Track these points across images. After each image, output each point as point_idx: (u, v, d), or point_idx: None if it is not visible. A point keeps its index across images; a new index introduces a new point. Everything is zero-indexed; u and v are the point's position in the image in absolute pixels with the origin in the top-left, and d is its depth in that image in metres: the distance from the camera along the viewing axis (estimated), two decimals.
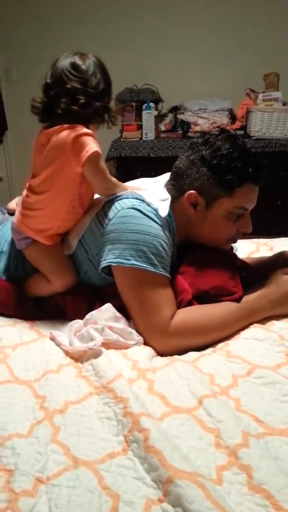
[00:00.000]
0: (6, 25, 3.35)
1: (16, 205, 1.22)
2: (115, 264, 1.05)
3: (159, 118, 3.04)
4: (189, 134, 2.90)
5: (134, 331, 1.05)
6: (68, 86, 1.05)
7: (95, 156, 1.04)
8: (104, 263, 1.07)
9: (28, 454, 0.71)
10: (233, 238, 1.18)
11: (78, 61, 1.07)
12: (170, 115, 3.04)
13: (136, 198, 1.10)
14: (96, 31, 3.23)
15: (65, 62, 1.07)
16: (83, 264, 1.16)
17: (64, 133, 1.04)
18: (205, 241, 1.17)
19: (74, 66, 1.07)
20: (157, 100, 3.08)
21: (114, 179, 1.15)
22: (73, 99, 1.04)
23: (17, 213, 1.18)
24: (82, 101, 1.04)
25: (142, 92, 3.05)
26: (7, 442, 0.74)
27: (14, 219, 1.18)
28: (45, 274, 1.17)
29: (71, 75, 1.05)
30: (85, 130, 1.05)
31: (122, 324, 1.06)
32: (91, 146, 1.04)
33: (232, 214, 1.11)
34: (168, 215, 1.10)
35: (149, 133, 2.95)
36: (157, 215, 1.07)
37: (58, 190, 1.10)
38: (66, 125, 1.05)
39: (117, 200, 1.11)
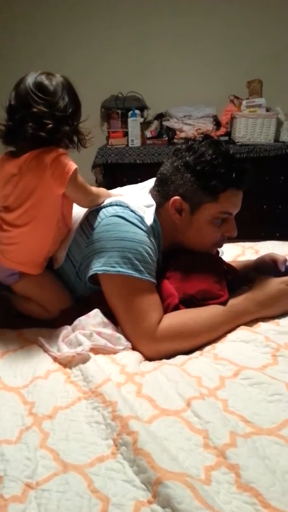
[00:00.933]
0: None
1: None
2: (101, 272, 1.06)
3: (145, 125, 3.06)
4: (175, 140, 2.92)
5: (122, 336, 1.06)
6: (35, 109, 0.98)
7: (75, 173, 1.02)
8: (90, 272, 1.08)
9: (17, 460, 0.71)
10: (218, 243, 1.20)
11: (45, 82, 1.01)
12: (156, 122, 3.06)
13: (120, 205, 1.10)
14: (81, 39, 3.25)
15: (30, 83, 1.00)
16: (70, 277, 1.16)
17: (38, 160, 1.00)
18: (191, 246, 1.18)
19: (40, 87, 1.00)
20: (143, 107, 3.11)
21: (95, 189, 1.13)
22: (40, 123, 0.98)
23: None
24: (50, 126, 0.98)
25: (128, 100, 3.08)
26: None
27: None
28: (41, 304, 1.15)
29: (37, 98, 0.99)
30: (58, 150, 1.01)
31: (110, 329, 1.06)
32: (69, 164, 1.01)
33: (217, 219, 1.13)
34: (154, 221, 1.11)
35: (135, 140, 2.97)
36: (142, 221, 1.08)
37: (43, 218, 1.07)
38: (36, 151, 1.01)
39: (101, 209, 1.12)
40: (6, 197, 1.07)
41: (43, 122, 0.98)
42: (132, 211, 1.09)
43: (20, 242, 1.09)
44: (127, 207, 1.10)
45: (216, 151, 1.09)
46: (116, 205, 1.11)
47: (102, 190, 1.17)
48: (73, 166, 1.02)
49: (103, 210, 1.11)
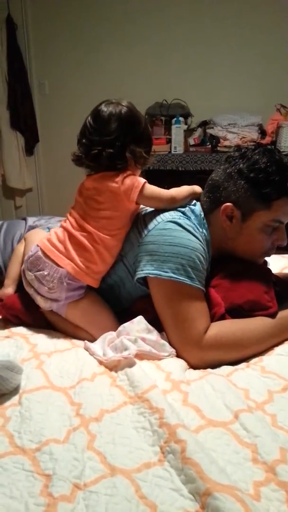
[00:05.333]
0: (40, 39, 3.46)
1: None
2: (152, 276, 1.06)
3: (188, 132, 3.07)
4: (218, 148, 2.91)
5: (166, 343, 1.06)
6: (84, 140, 1.10)
7: (142, 188, 1.10)
8: (141, 274, 1.08)
9: (65, 460, 0.72)
10: (267, 251, 1.17)
11: (100, 110, 1.10)
12: (199, 130, 3.06)
13: (177, 211, 1.11)
14: (128, 47, 3.30)
15: (90, 115, 1.11)
16: (115, 265, 1.16)
17: (110, 178, 1.10)
18: (240, 254, 1.17)
19: (95, 117, 1.10)
20: (187, 115, 3.12)
21: (172, 193, 1.15)
22: (89, 150, 1.09)
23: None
24: (94, 152, 1.08)
25: (172, 107, 3.10)
26: (45, 447, 0.75)
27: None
28: (88, 329, 1.15)
29: (90, 128, 1.10)
30: (126, 172, 1.10)
31: (154, 335, 1.06)
32: (136, 181, 1.10)
33: (268, 227, 1.11)
34: (204, 228, 1.11)
35: (178, 147, 2.98)
36: (196, 228, 1.08)
37: (118, 229, 1.13)
38: (108, 172, 1.10)
39: (158, 213, 1.13)
40: (83, 207, 1.14)
41: (90, 149, 1.09)
42: (188, 218, 1.09)
43: (98, 250, 1.12)
44: (184, 213, 1.10)
45: (270, 159, 1.08)
46: (173, 210, 1.11)
47: (179, 192, 1.16)
48: (140, 182, 1.10)
49: (160, 214, 1.12)
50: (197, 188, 1.20)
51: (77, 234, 1.13)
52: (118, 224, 1.13)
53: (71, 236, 1.13)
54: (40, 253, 1.14)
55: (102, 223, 1.11)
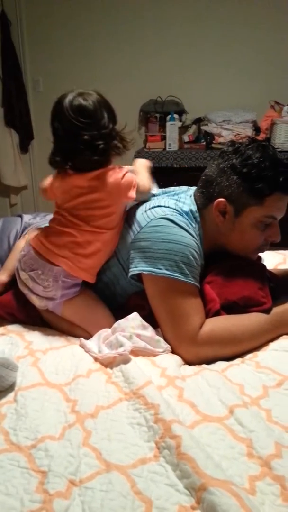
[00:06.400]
0: (35, 36, 3.44)
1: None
2: (146, 273, 1.06)
3: (183, 129, 3.07)
4: (213, 145, 2.91)
5: (161, 339, 1.06)
6: (86, 137, 1.02)
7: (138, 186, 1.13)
8: (135, 271, 1.08)
9: (61, 456, 0.72)
10: (261, 248, 1.17)
11: (83, 104, 1.03)
12: (194, 127, 3.07)
13: (169, 207, 1.11)
14: (122, 44, 3.29)
15: (69, 110, 1.03)
16: (109, 262, 1.16)
17: (107, 176, 1.07)
18: (233, 250, 1.17)
19: (81, 111, 1.03)
20: (181, 112, 3.12)
21: (145, 183, 1.18)
22: (93, 146, 1.03)
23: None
24: (101, 146, 1.04)
25: (167, 104, 3.10)
26: (40, 444, 0.75)
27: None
28: (85, 327, 1.14)
29: (82, 124, 1.02)
30: (122, 169, 1.10)
31: (149, 332, 1.06)
32: (134, 178, 1.11)
33: (261, 223, 1.11)
34: (196, 222, 1.11)
35: (172, 144, 2.98)
36: (189, 224, 1.08)
37: (115, 226, 1.12)
38: (104, 169, 1.07)
39: (150, 209, 1.12)
40: (74, 206, 1.11)
41: (95, 145, 1.03)
42: (180, 213, 1.09)
43: (93, 244, 1.11)
44: (176, 209, 1.10)
45: (263, 154, 1.07)
46: (166, 207, 1.11)
47: (144, 179, 1.19)
48: (136, 180, 1.12)
49: (152, 210, 1.11)
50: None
51: (71, 230, 1.11)
52: (116, 219, 1.12)
53: (63, 233, 1.12)
54: (33, 252, 1.13)
55: (99, 219, 1.10)
